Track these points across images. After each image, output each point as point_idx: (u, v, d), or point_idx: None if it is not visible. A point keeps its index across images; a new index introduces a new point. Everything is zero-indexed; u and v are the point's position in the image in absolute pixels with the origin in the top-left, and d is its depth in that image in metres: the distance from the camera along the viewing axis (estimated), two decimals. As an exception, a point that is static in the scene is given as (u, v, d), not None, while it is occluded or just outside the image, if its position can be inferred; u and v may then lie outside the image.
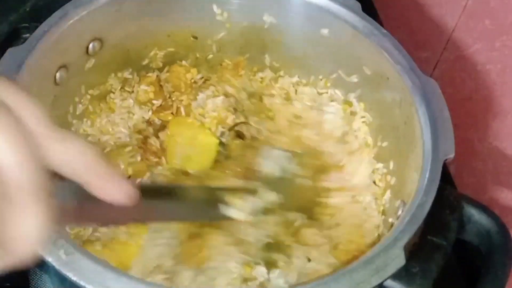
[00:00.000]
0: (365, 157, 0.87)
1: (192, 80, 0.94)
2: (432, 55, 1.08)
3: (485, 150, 0.99)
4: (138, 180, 0.82)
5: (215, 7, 0.90)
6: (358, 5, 0.85)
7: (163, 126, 0.89)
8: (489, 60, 0.96)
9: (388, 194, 0.81)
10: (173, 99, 0.92)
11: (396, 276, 0.63)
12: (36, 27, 0.78)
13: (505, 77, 0.94)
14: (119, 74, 0.91)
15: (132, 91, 0.92)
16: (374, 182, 0.86)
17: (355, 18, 0.83)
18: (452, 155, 0.71)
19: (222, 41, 0.94)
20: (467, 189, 1.00)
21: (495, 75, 0.96)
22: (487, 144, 0.98)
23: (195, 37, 0.93)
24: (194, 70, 0.94)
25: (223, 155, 0.86)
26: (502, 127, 0.96)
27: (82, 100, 0.87)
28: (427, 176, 0.69)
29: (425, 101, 0.75)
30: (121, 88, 0.92)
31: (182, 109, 0.90)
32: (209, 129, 0.88)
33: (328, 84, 0.93)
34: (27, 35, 0.80)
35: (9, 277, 0.82)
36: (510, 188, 0.95)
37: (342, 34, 0.84)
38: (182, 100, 0.91)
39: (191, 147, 0.86)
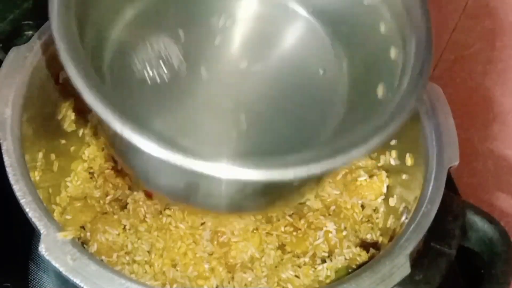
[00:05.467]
0: None
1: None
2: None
3: (485, 150, 0.99)
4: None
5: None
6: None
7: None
8: (489, 60, 0.96)
9: (392, 199, 0.82)
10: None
11: (400, 284, 0.64)
12: (39, 24, 0.77)
13: (505, 77, 0.94)
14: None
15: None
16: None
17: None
18: (456, 163, 0.71)
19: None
20: (468, 189, 1.01)
21: (495, 75, 0.96)
22: (487, 144, 0.99)
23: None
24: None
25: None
26: (502, 127, 0.96)
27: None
28: (431, 184, 0.69)
29: (430, 107, 0.76)
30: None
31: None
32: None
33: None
34: (30, 32, 0.79)
35: (9, 277, 0.83)
36: (510, 188, 0.95)
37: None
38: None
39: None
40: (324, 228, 0.80)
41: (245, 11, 0.77)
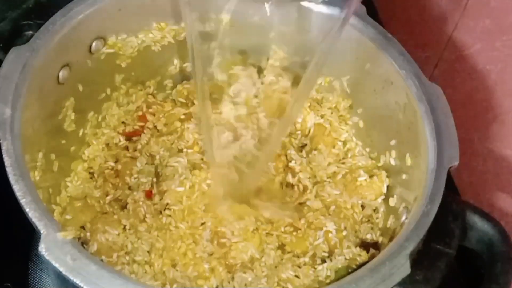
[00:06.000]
0: None
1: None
2: (432, 55, 1.08)
3: (485, 150, 0.99)
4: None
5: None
6: (364, 8, 0.83)
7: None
8: (489, 60, 0.96)
9: (392, 199, 0.82)
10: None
11: (400, 284, 0.64)
12: (39, 24, 0.77)
13: (505, 77, 0.94)
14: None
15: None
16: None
17: (360, 22, 0.83)
18: (456, 163, 0.71)
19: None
20: (467, 189, 1.02)
21: (495, 75, 0.96)
22: (487, 144, 0.98)
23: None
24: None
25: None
26: (502, 127, 0.96)
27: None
28: (432, 184, 0.69)
29: (430, 107, 0.75)
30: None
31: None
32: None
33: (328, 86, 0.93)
34: (30, 32, 0.79)
35: (9, 277, 0.83)
36: (510, 187, 0.95)
37: (347, 38, 0.84)
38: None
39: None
40: (324, 228, 0.80)
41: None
